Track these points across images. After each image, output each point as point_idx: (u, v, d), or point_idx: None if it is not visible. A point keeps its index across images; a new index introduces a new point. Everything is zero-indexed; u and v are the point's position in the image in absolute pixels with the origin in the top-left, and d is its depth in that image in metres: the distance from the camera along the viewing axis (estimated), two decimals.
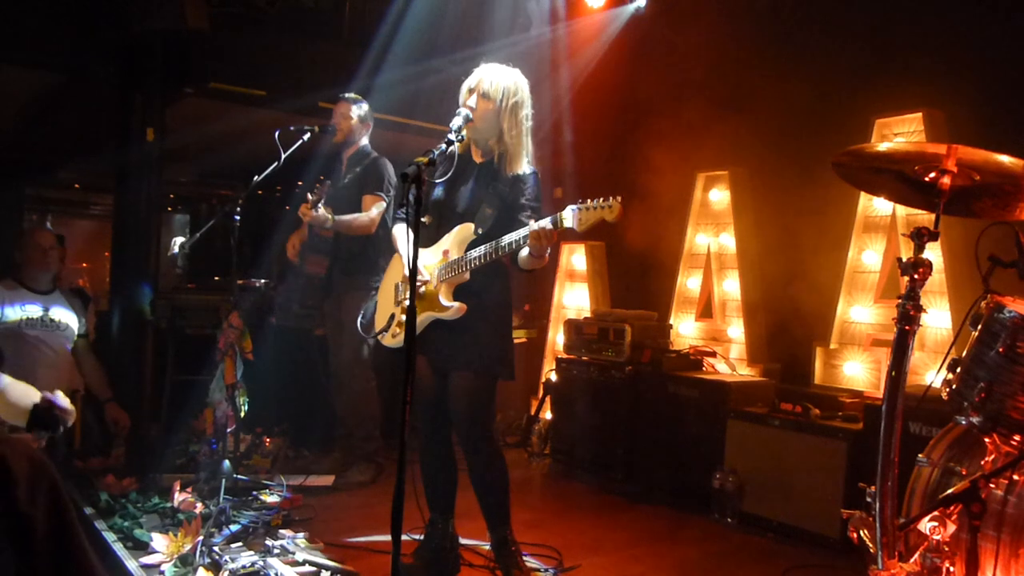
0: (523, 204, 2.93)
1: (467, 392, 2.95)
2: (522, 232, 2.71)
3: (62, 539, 1.91)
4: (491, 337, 2.96)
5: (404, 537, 2.37)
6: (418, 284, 2.98)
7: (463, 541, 3.25)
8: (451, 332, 2.93)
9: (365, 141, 4.56)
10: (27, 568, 1.85)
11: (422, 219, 3.07)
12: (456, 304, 2.88)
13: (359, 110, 4.50)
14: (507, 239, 2.76)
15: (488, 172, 3.01)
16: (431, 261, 2.98)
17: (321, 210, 4.08)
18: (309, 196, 4.12)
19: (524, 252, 2.76)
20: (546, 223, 2.65)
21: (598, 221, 2.56)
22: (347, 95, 4.55)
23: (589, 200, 2.58)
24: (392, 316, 3.05)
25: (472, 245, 2.89)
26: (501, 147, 2.99)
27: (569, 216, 2.61)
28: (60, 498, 1.91)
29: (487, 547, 3.18)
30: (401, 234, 3.07)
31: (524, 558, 3.06)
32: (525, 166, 2.98)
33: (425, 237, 3.00)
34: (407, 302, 2.96)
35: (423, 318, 2.91)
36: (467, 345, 2.92)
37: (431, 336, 2.96)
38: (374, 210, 4.31)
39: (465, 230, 2.93)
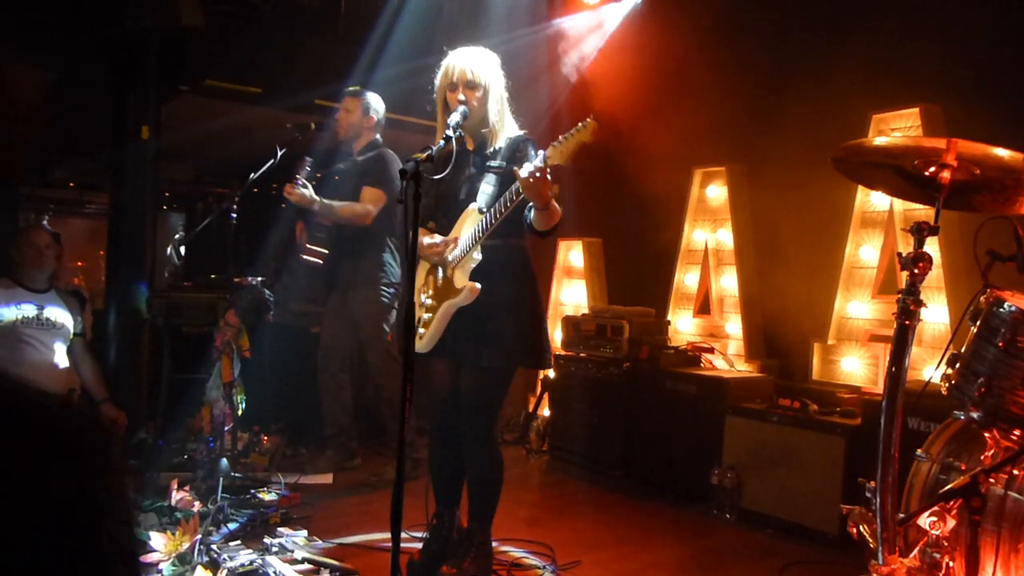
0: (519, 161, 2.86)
1: (473, 386, 2.92)
2: (514, 186, 2.67)
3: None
4: (504, 327, 2.88)
5: (403, 535, 2.36)
6: (436, 262, 2.99)
7: None
8: (465, 323, 2.89)
9: (376, 135, 4.50)
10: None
11: (427, 225, 3.07)
12: (467, 285, 2.83)
13: (363, 104, 4.44)
14: (503, 197, 2.74)
15: (481, 155, 3.01)
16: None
17: (303, 190, 4.06)
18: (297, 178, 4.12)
19: (532, 212, 2.75)
20: (531, 164, 2.58)
21: (578, 146, 2.53)
22: (349, 89, 4.49)
23: (563, 134, 2.56)
24: (419, 319, 3.03)
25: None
26: (489, 127, 2.98)
27: (550, 153, 2.58)
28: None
29: (500, 547, 3.20)
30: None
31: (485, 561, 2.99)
32: (514, 130, 3.01)
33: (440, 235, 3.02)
34: (429, 302, 2.98)
35: (444, 308, 2.88)
36: (478, 337, 2.87)
37: (449, 330, 2.93)
38: (370, 202, 4.29)
39: (469, 212, 2.92)
